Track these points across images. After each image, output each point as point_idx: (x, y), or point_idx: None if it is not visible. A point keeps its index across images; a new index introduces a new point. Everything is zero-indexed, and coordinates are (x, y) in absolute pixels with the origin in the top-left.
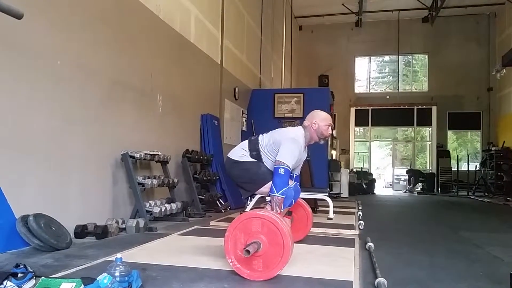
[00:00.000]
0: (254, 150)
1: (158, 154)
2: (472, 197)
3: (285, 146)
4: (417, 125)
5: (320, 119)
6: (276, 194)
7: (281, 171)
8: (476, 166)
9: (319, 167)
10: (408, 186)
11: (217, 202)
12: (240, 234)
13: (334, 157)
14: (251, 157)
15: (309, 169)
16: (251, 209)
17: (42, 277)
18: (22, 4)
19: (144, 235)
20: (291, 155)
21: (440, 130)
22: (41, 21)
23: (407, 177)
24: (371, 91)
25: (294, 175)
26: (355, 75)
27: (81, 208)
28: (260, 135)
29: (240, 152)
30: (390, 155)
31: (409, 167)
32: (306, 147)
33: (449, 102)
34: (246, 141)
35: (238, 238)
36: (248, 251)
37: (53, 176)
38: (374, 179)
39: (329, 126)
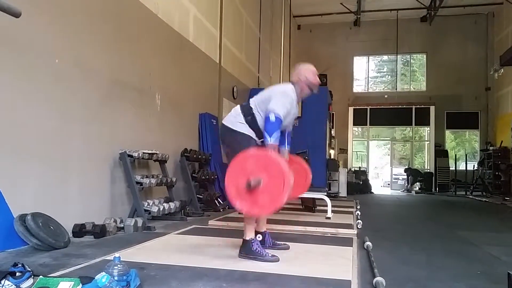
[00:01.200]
0: (249, 114)
1: (156, 153)
2: (470, 196)
3: (275, 99)
4: (415, 125)
5: (305, 69)
6: (270, 141)
7: (272, 117)
8: (474, 165)
9: (318, 166)
10: (406, 185)
11: (216, 201)
12: (240, 177)
13: (332, 157)
14: (246, 122)
15: None
16: None
17: (40, 276)
18: (21, 2)
19: (142, 234)
20: (281, 105)
21: (438, 129)
22: (40, 19)
23: (405, 176)
24: (369, 90)
25: (286, 132)
26: (354, 75)
27: (80, 207)
28: (251, 99)
29: (234, 119)
30: (388, 155)
31: (407, 166)
32: (297, 104)
33: (447, 102)
34: (238, 107)
35: (239, 182)
36: (249, 184)
37: (51, 175)
38: (368, 179)
39: (315, 73)
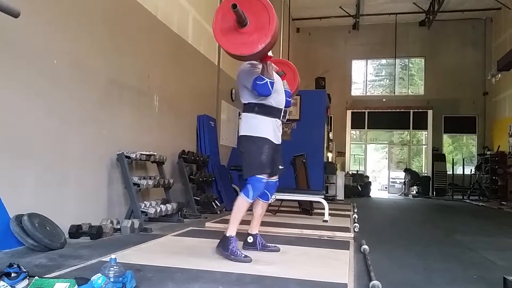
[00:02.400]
0: (249, 109)
1: (154, 155)
2: (467, 201)
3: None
4: (413, 129)
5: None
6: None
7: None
8: (471, 170)
9: (315, 169)
10: (404, 188)
11: (213, 203)
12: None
13: (330, 160)
14: (258, 113)
15: (305, 171)
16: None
17: (36, 277)
18: (19, 2)
19: (139, 236)
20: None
21: (435, 133)
22: (38, 20)
23: (402, 180)
24: (367, 94)
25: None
26: (352, 78)
27: (76, 208)
28: (242, 100)
29: (245, 124)
30: (386, 158)
31: (406, 167)
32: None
33: (445, 106)
34: (243, 115)
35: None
36: (234, 5)
37: (48, 175)
38: (370, 182)
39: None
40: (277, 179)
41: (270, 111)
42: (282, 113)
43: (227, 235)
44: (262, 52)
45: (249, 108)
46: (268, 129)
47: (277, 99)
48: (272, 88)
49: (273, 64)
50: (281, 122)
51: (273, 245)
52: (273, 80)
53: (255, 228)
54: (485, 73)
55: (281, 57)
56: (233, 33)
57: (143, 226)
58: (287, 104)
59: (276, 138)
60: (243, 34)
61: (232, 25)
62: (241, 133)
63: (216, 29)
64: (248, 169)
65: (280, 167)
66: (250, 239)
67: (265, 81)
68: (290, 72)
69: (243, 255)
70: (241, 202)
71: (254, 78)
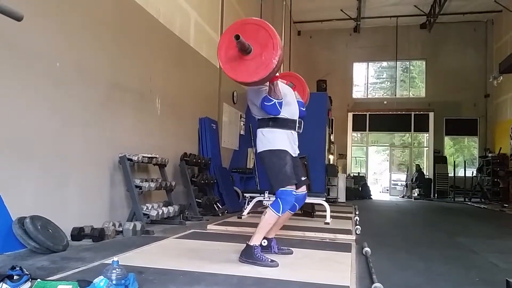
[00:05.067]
0: (268, 120)
1: (156, 157)
2: (469, 203)
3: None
4: (414, 131)
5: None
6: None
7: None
8: (472, 172)
9: (317, 172)
10: (405, 189)
11: (215, 205)
12: (231, 48)
13: (331, 162)
14: (273, 127)
15: (306, 173)
16: (248, 213)
17: (38, 280)
18: (22, 5)
19: (141, 238)
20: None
21: (437, 136)
22: (41, 23)
23: (403, 182)
24: (368, 96)
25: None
26: (353, 81)
27: (78, 210)
28: (254, 115)
29: (262, 141)
30: (387, 160)
31: (406, 172)
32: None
33: (446, 108)
34: (258, 131)
35: (231, 53)
36: (237, 36)
37: (51, 178)
38: (367, 184)
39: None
40: (306, 192)
41: (285, 124)
42: (297, 124)
43: (251, 244)
44: (278, 67)
45: (263, 123)
46: (285, 141)
47: (290, 110)
48: (280, 108)
49: (281, 79)
50: (296, 134)
51: (286, 248)
52: (281, 99)
53: (272, 232)
54: (487, 75)
55: None
56: (242, 63)
57: (145, 229)
58: (301, 114)
59: (293, 151)
60: (252, 59)
61: (238, 56)
62: (259, 150)
63: (226, 68)
64: (276, 183)
65: (303, 178)
66: (264, 243)
67: (272, 102)
68: (298, 84)
69: (269, 260)
70: (270, 216)
71: (262, 99)
